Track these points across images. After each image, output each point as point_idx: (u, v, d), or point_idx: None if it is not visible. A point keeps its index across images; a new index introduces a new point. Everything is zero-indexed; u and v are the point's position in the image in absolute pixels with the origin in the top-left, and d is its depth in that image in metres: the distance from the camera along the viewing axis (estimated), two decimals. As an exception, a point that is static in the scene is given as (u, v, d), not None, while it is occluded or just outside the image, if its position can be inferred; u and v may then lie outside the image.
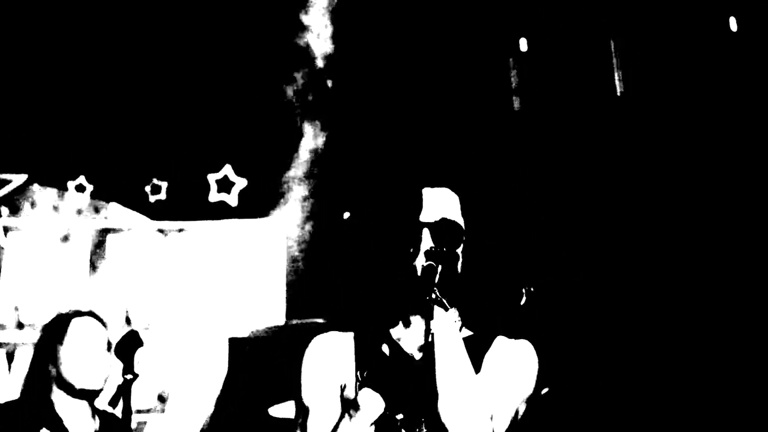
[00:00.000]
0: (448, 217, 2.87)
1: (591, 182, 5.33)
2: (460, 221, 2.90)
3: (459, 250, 2.87)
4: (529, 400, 2.88)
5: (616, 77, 5.39)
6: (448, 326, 2.77)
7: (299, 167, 5.62)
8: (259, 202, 5.73)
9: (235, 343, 5.50)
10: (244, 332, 5.56)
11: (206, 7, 5.52)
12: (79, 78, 5.63)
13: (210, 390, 5.36)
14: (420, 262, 2.77)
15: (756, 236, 5.07)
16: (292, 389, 3.39)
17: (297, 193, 5.65)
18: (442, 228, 2.86)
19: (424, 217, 2.87)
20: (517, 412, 2.85)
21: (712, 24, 5.13)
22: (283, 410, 4.83)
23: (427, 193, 2.91)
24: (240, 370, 5.29)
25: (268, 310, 5.66)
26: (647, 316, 5.14)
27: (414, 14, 5.52)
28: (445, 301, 2.75)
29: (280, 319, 5.66)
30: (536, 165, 5.46)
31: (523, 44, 5.55)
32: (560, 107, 5.48)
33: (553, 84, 5.54)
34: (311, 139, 5.63)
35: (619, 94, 5.37)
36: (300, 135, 5.66)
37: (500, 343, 2.89)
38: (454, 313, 2.80)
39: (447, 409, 2.73)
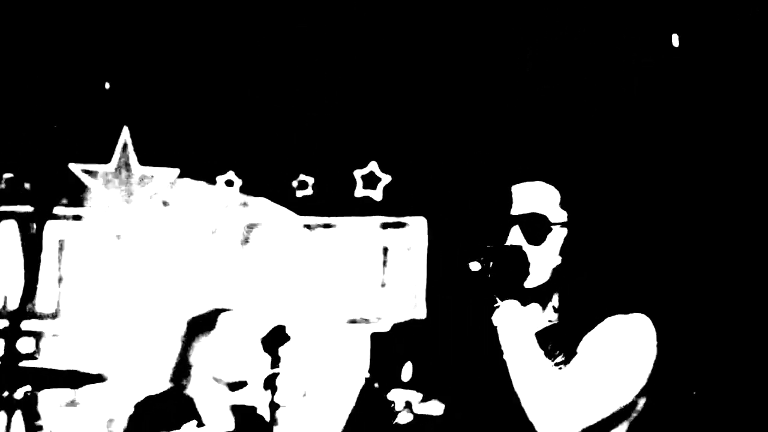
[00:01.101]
0: (538, 211, 2.80)
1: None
2: (554, 214, 2.82)
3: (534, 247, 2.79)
4: (649, 393, 2.77)
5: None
6: (513, 320, 2.71)
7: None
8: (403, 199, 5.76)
9: (376, 338, 5.53)
10: (385, 327, 5.59)
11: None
12: (230, 74, 5.72)
13: (350, 386, 5.39)
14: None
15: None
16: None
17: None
18: (530, 222, 2.80)
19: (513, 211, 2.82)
20: (632, 407, 2.72)
21: None
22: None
23: (517, 188, 2.86)
24: (380, 365, 5.31)
25: (408, 306, 5.69)
26: None
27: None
28: (499, 298, 2.70)
29: (421, 314, 5.68)
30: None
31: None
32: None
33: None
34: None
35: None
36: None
37: (606, 324, 2.72)
38: (528, 308, 2.74)
39: (530, 410, 2.64)
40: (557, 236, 2.80)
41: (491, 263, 2.69)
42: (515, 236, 2.78)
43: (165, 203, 5.82)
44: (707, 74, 5.33)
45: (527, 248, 2.77)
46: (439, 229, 5.70)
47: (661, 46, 5.38)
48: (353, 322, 5.72)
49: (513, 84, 5.58)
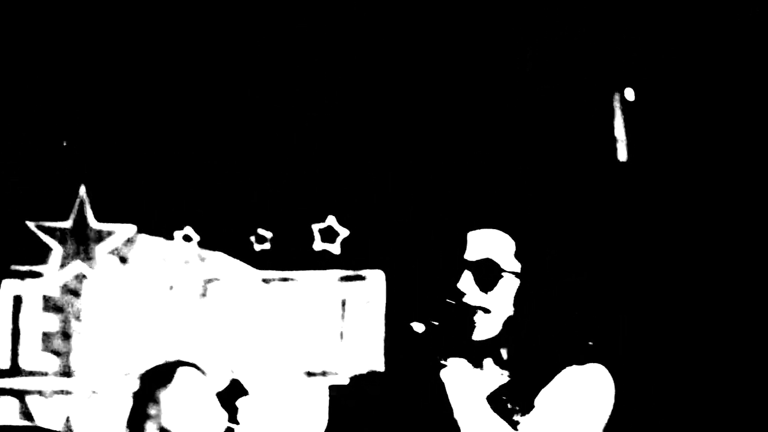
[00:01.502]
0: (491, 258, 2.80)
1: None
2: (507, 263, 2.83)
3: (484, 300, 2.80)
4: None
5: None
6: (460, 379, 2.70)
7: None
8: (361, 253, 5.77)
9: (335, 390, 5.52)
10: (344, 380, 5.59)
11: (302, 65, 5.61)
12: (185, 129, 5.73)
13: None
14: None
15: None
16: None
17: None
18: (481, 268, 2.81)
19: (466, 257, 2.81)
20: None
21: None
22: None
23: (473, 234, 2.86)
24: (340, 417, 5.30)
25: (367, 359, 5.68)
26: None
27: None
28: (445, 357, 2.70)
29: (380, 366, 5.67)
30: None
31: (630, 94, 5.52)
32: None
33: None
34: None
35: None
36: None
37: (563, 376, 2.72)
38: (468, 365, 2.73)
39: None
40: (509, 286, 2.79)
41: (437, 322, 2.68)
42: (466, 282, 2.77)
43: (123, 260, 5.80)
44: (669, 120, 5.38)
45: (478, 297, 2.76)
46: (397, 281, 5.71)
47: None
48: (311, 374, 5.71)
49: (472, 133, 5.61)
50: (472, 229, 2.85)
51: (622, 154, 5.50)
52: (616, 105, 5.50)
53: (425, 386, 2.82)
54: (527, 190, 5.37)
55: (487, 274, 2.77)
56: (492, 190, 5.42)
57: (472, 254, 2.79)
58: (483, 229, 2.83)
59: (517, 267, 2.80)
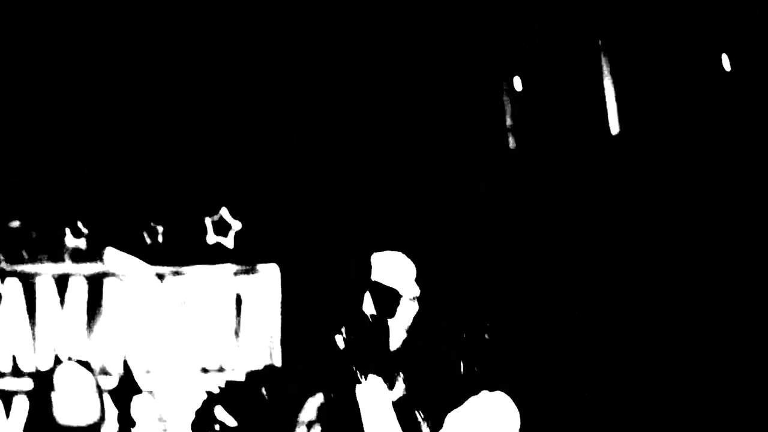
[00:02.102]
0: (393, 283, 2.84)
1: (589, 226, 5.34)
2: (405, 287, 2.87)
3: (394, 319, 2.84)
4: None
5: (610, 116, 5.40)
6: (371, 395, 2.74)
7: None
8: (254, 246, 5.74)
9: (231, 386, 5.48)
10: (240, 376, 5.55)
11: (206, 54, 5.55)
12: (75, 123, 5.64)
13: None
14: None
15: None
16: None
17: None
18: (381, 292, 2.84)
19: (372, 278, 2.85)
20: None
21: (707, 63, 5.15)
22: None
23: (377, 256, 2.90)
24: (235, 412, 5.26)
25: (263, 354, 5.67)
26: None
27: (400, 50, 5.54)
28: (360, 373, 2.73)
29: (277, 361, 5.66)
30: (532, 206, 5.47)
31: (518, 83, 5.56)
32: (556, 146, 5.49)
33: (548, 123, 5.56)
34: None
35: (613, 133, 5.38)
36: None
37: (471, 402, 2.78)
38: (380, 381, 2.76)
39: None
40: (408, 310, 2.84)
41: (352, 337, 2.70)
42: (367, 303, 2.81)
43: (14, 257, 5.70)
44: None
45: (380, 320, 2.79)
46: (291, 275, 5.69)
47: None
48: (206, 371, 5.67)
49: (379, 132, 5.62)
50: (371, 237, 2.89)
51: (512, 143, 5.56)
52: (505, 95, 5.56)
53: (328, 379, 2.84)
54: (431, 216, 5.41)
55: (387, 298, 2.81)
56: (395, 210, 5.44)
57: (375, 275, 2.83)
58: (388, 251, 2.88)
59: (416, 291, 2.85)
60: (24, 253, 5.68)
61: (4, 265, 5.65)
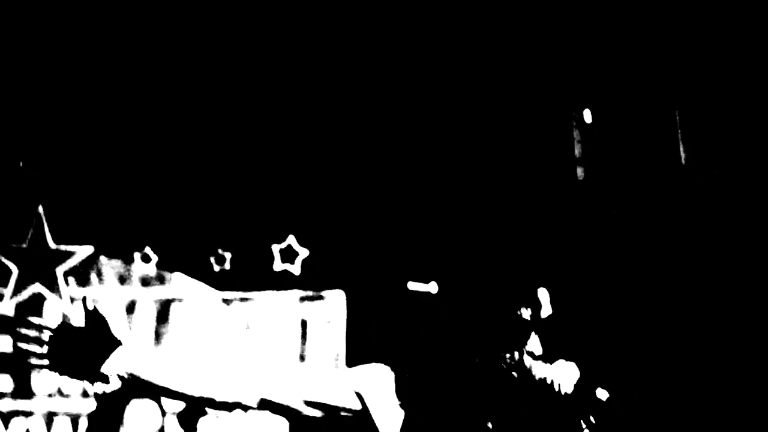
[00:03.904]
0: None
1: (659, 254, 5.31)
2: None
3: None
4: None
5: (681, 147, 5.38)
6: None
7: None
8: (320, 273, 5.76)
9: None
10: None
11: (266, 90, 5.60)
12: (142, 148, 5.71)
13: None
14: None
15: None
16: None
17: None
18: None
19: None
20: None
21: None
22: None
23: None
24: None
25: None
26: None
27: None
28: None
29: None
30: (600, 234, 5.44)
31: (588, 115, 5.55)
32: (624, 176, 5.46)
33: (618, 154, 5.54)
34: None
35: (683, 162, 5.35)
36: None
37: None
38: None
39: None
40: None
41: None
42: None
43: (82, 281, 5.76)
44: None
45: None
46: (357, 300, 5.70)
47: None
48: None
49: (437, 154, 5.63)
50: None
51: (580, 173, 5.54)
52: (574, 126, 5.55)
53: None
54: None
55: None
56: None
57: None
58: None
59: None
60: (93, 277, 5.74)
61: (74, 290, 5.72)
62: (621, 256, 5.36)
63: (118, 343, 2.82)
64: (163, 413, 4.91)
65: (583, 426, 2.68)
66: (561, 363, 2.77)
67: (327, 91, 5.64)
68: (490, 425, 2.73)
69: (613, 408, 2.70)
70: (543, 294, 2.77)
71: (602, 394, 2.74)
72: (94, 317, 2.75)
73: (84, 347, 2.77)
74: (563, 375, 2.75)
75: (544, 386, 2.70)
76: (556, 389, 2.74)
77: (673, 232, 5.28)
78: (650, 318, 5.23)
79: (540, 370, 2.74)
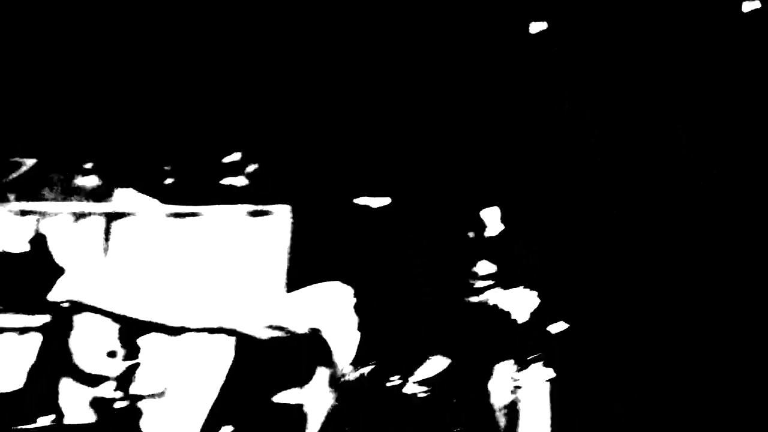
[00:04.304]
0: None
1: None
2: None
3: None
4: None
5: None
6: None
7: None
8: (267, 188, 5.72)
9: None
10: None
11: None
12: (91, 63, 5.64)
13: (215, 379, 5.35)
14: None
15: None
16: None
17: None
18: None
19: None
20: None
21: None
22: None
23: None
24: (245, 358, 5.27)
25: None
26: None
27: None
28: None
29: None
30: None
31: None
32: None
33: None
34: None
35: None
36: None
37: None
38: None
39: None
40: None
41: None
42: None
43: (26, 195, 5.71)
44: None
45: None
46: (304, 216, 5.67)
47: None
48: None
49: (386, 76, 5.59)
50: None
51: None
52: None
53: None
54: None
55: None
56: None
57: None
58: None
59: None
60: (38, 190, 5.69)
61: (18, 204, 5.66)
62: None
63: (62, 270, 2.79)
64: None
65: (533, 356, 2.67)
66: (519, 290, 2.74)
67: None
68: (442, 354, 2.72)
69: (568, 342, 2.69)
70: (491, 213, 2.74)
71: (557, 327, 2.72)
72: (38, 244, 2.71)
73: (27, 277, 2.73)
74: (519, 303, 2.73)
75: (498, 313, 2.68)
76: (511, 317, 2.72)
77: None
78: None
79: (495, 295, 2.72)
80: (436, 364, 2.76)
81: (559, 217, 5.34)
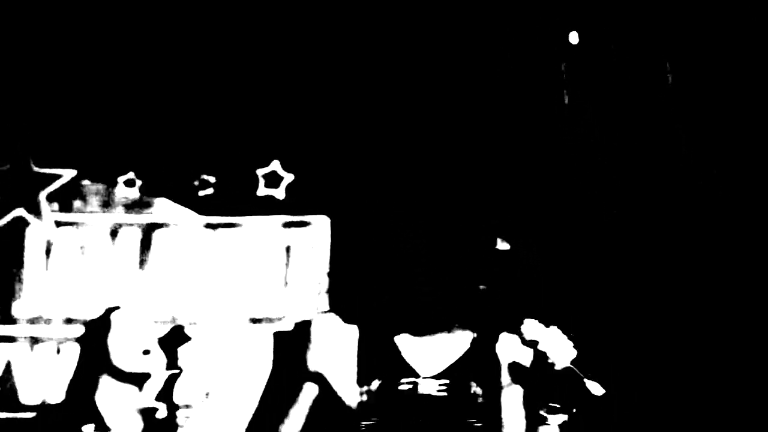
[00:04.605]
0: None
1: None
2: None
3: None
4: None
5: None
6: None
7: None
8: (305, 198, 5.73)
9: (279, 337, 5.49)
10: (288, 326, 5.57)
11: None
12: (128, 72, 5.67)
13: (255, 385, 5.36)
14: None
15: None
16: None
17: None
18: None
19: None
20: None
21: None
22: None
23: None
24: (284, 364, 5.28)
25: (312, 305, 5.66)
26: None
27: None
28: None
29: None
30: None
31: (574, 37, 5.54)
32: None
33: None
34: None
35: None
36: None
37: None
38: None
39: None
40: None
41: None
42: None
43: (65, 205, 5.74)
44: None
45: None
46: (341, 227, 5.68)
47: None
48: (256, 321, 5.69)
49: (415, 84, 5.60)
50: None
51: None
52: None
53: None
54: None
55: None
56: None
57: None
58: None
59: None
60: (77, 202, 5.72)
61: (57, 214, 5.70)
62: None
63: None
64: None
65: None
66: (556, 332, 2.71)
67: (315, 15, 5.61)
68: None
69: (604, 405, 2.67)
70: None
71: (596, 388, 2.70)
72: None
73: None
74: (557, 346, 2.71)
75: (537, 352, 2.67)
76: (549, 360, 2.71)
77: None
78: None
79: (530, 330, 2.71)
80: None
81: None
